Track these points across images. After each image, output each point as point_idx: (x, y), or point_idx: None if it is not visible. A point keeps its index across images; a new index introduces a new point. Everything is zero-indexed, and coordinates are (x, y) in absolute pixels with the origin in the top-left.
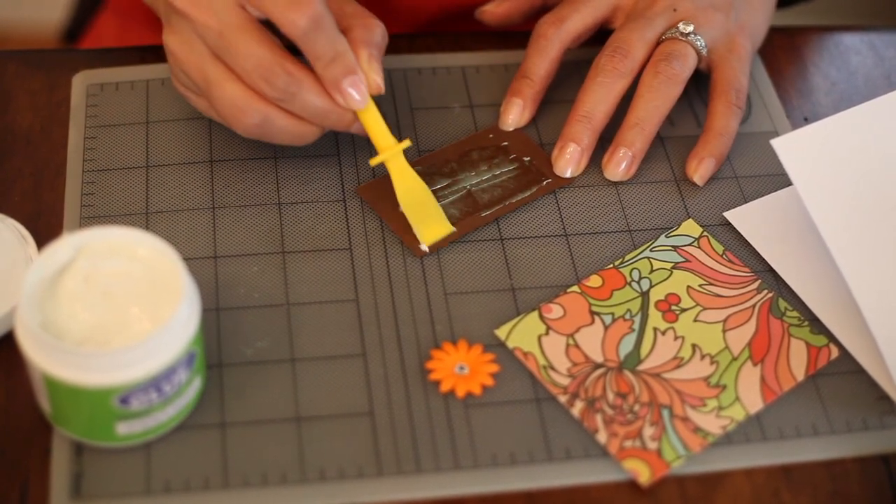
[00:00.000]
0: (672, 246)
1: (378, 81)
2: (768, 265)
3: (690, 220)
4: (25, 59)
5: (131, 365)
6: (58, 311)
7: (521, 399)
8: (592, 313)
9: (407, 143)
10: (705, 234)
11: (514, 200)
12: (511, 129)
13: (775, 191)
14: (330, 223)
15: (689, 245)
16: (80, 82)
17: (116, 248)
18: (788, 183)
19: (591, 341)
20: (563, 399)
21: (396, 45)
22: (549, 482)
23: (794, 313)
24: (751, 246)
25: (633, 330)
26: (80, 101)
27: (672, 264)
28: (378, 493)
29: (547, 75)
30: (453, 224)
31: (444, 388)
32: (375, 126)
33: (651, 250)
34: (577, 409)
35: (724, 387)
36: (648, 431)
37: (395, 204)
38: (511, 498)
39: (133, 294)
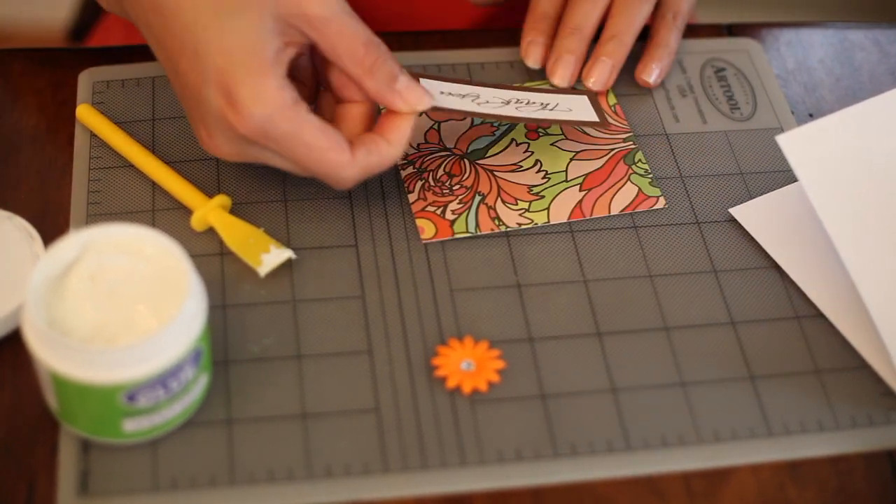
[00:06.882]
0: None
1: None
2: (773, 261)
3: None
4: (31, 58)
5: (138, 362)
6: (64, 309)
7: (526, 395)
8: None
9: (222, 199)
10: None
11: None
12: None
13: (780, 187)
14: (335, 220)
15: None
16: (86, 80)
17: (123, 245)
18: (794, 179)
19: (453, 133)
20: (400, 164)
21: (402, 42)
22: (554, 478)
23: (645, 166)
24: (756, 242)
25: (494, 135)
26: (86, 98)
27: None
28: (384, 490)
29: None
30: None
31: (450, 384)
32: (183, 190)
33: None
34: (406, 171)
35: (542, 197)
36: (453, 206)
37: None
38: (517, 494)
39: (139, 291)
